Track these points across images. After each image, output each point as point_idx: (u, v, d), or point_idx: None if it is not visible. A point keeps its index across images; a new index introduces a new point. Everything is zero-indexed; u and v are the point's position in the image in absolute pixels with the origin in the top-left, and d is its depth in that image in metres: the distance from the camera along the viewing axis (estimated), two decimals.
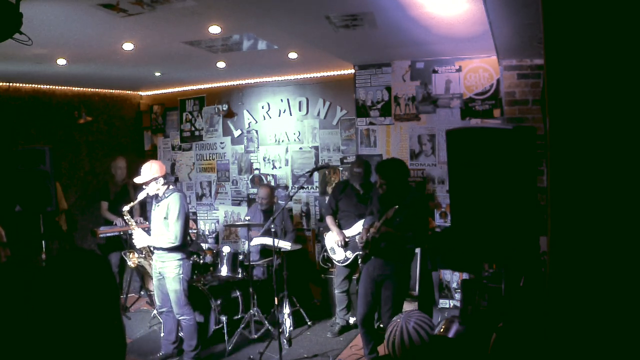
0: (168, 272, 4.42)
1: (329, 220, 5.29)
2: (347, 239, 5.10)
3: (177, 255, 4.43)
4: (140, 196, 4.50)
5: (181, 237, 4.34)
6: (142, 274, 5.92)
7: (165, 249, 4.38)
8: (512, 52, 4.37)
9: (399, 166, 4.14)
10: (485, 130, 2.73)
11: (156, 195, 4.47)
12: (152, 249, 4.59)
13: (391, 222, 4.01)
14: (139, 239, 4.51)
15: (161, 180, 4.40)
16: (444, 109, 5.39)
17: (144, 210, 6.50)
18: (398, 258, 4.06)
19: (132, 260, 4.84)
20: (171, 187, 4.51)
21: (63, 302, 1.21)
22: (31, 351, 1.21)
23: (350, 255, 5.10)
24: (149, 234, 4.55)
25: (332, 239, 5.22)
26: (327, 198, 5.73)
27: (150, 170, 4.36)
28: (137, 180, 4.41)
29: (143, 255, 4.77)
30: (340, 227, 5.21)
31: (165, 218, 4.37)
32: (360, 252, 4.99)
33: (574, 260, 1.44)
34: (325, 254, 5.38)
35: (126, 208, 4.60)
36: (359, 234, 5.03)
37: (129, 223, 4.63)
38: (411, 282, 5.16)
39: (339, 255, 5.17)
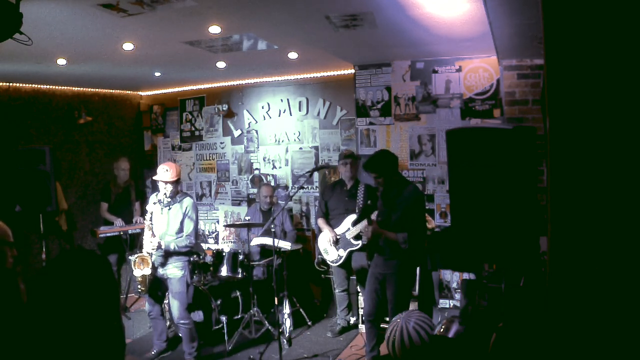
0: (173, 274, 4.42)
1: (320, 222, 5.30)
2: (338, 236, 5.09)
3: (184, 257, 4.46)
4: (160, 196, 4.40)
5: (196, 240, 4.52)
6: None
7: (177, 253, 4.38)
8: (512, 52, 4.37)
9: (385, 157, 4.08)
10: (485, 130, 2.73)
11: (166, 198, 4.40)
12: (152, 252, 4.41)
13: (388, 221, 4.01)
14: (155, 243, 4.33)
15: (178, 183, 4.48)
16: (444, 109, 5.39)
17: (144, 210, 6.49)
18: (398, 256, 4.05)
19: (143, 265, 4.36)
20: (181, 191, 4.54)
21: (63, 302, 1.22)
22: (32, 350, 1.21)
23: (342, 253, 5.08)
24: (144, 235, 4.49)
25: (324, 239, 5.21)
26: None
27: (176, 170, 4.39)
28: (162, 177, 4.32)
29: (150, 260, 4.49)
30: (332, 227, 5.21)
31: (181, 222, 4.39)
32: (353, 249, 5.00)
33: (574, 260, 1.44)
34: (319, 256, 5.38)
35: (149, 207, 4.40)
36: (348, 229, 5.04)
37: (148, 225, 4.36)
38: None
39: (332, 255, 5.16)
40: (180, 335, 4.68)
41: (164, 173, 4.32)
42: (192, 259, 4.83)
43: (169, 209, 4.40)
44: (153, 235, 4.36)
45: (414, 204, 4.00)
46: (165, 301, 4.92)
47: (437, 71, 5.39)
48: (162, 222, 4.43)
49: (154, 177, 4.48)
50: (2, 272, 2.12)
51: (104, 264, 1.32)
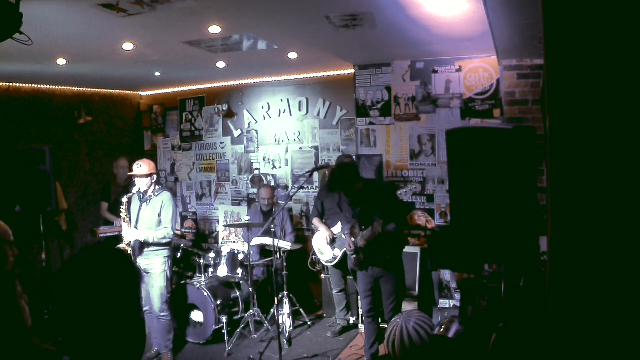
0: (155, 269, 4.51)
1: (315, 221, 5.29)
2: (335, 236, 5.08)
3: (164, 252, 4.56)
4: (134, 190, 4.54)
5: (174, 232, 4.62)
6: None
7: (156, 245, 4.48)
8: (512, 52, 4.37)
9: (348, 171, 4.09)
10: (485, 130, 2.73)
11: (144, 194, 4.54)
12: (132, 245, 4.50)
13: (369, 221, 4.05)
14: (133, 234, 4.46)
15: (154, 178, 4.60)
16: (444, 109, 5.39)
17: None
18: (390, 252, 4.11)
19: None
20: (158, 186, 4.64)
21: (89, 295, 1.23)
22: (57, 342, 1.23)
23: (338, 253, 5.06)
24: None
25: (320, 238, 5.18)
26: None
27: (149, 166, 4.54)
28: (136, 172, 4.48)
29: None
30: (328, 227, 5.20)
31: (159, 215, 4.52)
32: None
33: (574, 260, 1.44)
34: (313, 257, 5.36)
35: (124, 199, 4.54)
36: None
37: (124, 217, 4.50)
38: (411, 282, 5.17)
39: (327, 255, 5.14)
40: (148, 326, 4.70)
41: (138, 169, 4.51)
42: (172, 253, 4.86)
43: (147, 203, 4.53)
44: (129, 226, 4.48)
45: (386, 197, 4.19)
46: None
47: (437, 71, 5.39)
48: (140, 216, 4.54)
49: (129, 173, 4.64)
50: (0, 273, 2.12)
51: (125, 258, 1.34)
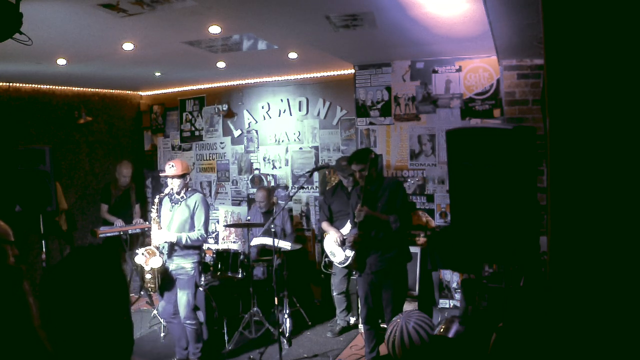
0: (183, 274, 4.41)
1: (324, 225, 5.27)
2: (344, 237, 5.07)
3: (195, 258, 4.46)
4: (166, 191, 4.45)
5: (207, 235, 4.52)
6: (142, 274, 5.86)
7: (187, 248, 4.39)
8: (512, 52, 4.37)
9: (371, 151, 4.27)
10: (485, 130, 2.73)
11: (175, 195, 4.44)
12: (162, 250, 4.40)
13: (373, 209, 4.10)
14: (163, 235, 4.34)
15: (187, 178, 4.49)
16: (444, 109, 5.39)
17: (144, 212, 6.50)
18: (393, 247, 4.10)
19: (150, 260, 4.34)
20: (190, 188, 4.55)
21: (75, 297, 1.23)
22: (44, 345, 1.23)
23: (349, 253, 5.06)
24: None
25: (330, 240, 5.19)
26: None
27: (182, 166, 4.41)
28: (168, 172, 4.37)
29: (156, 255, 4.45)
30: (337, 228, 5.20)
31: (191, 217, 4.40)
32: None
33: (574, 260, 1.44)
34: (326, 259, 5.36)
35: (156, 199, 4.44)
36: None
37: (154, 218, 4.40)
38: (411, 282, 5.16)
39: (339, 256, 5.13)
40: (171, 334, 4.67)
41: (170, 169, 4.38)
42: (202, 258, 4.80)
43: (179, 205, 4.43)
44: (159, 227, 4.37)
45: (397, 188, 4.18)
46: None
47: (437, 71, 5.39)
48: (172, 218, 4.43)
49: (161, 174, 4.54)
50: (6, 271, 2.12)
51: (114, 260, 1.34)
